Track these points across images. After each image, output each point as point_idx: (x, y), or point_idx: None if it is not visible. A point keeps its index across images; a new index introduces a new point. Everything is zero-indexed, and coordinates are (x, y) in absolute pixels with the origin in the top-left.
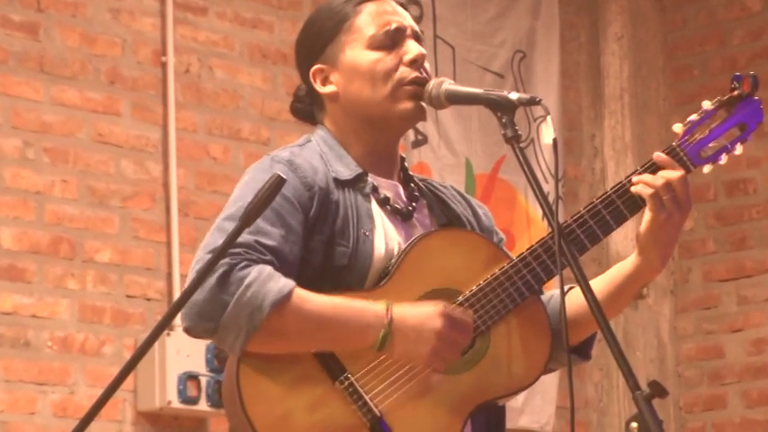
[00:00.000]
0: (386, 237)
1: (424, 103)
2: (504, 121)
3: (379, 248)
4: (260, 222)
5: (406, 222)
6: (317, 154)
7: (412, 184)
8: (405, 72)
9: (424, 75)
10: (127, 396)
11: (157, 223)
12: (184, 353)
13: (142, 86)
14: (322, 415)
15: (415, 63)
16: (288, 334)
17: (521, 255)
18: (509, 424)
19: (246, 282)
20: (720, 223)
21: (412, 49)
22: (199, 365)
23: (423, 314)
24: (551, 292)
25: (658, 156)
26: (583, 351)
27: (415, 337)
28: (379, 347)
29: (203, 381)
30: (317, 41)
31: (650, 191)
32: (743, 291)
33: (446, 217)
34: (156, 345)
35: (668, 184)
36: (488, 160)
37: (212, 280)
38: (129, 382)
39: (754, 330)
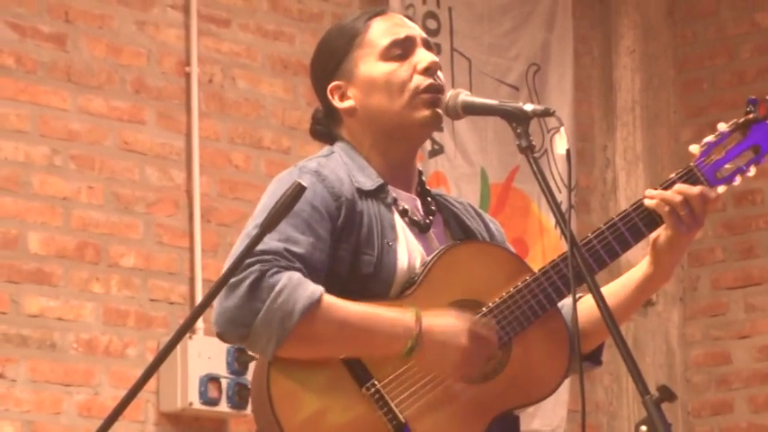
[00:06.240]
0: (408, 247)
1: (440, 111)
2: (518, 131)
3: (402, 259)
4: (289, 231)
5: (423, 235)
6: (341, 165)
7: (429, 198)
8: (419, 80)
9: (439, 81)
10: (150, 397)
11: (180, 229)
12: (206, 355)
13: (166, 96)
14: (348, 420)
15: (429, 71)
16: (317, 339)
17: (543, 268)
18: (521, 427)
19: (277, 288)
20: (729, 232)
21: (424, 57)
22: (220, 368)
23: (450, 329)
24: (562, 301)
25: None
26: (595, 357)
27: (441, 351)
28: (405, 356)
29: (224, 383)
30: (332, 59)
31: (667, 208)
32: (750, 298)
33: (462, 231)
34: (179, 347)
35: (686, 201)
36: (503, 170)
37: (244, 287)
38: (151, 384)
39: (761, 337)
